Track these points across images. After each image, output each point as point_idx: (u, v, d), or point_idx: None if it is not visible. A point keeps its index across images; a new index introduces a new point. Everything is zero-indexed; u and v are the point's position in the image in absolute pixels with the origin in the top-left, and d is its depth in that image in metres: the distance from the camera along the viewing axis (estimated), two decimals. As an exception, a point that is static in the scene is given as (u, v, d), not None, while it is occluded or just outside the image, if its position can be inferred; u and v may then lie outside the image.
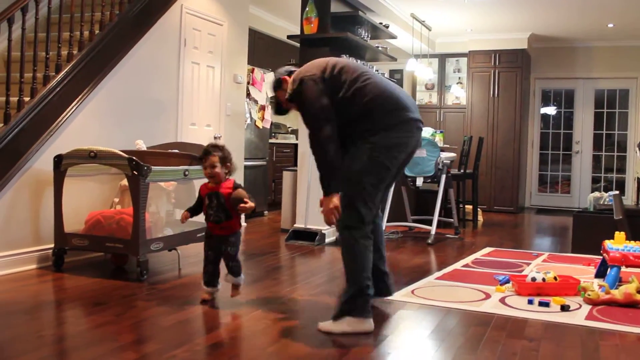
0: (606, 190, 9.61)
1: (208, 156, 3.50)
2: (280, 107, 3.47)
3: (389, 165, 3.14)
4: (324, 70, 3.20)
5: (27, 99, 4.42)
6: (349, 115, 3.16)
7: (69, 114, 4.64)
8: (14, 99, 4.38)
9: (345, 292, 3.15)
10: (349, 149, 3.20)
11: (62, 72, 4.60)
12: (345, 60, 3.35)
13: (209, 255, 3.61)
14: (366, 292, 3.11)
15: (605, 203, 6.23)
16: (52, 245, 4.41)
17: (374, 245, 3.35)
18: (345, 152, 3.20)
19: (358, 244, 3.12)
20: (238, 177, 6.88)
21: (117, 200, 4.71)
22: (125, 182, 4.43)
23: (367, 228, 3.15)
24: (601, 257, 4.52)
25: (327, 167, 3.11)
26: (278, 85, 3.41)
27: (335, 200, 3.07)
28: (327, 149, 3.09)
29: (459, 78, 10.58)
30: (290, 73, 3.39)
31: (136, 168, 4.07)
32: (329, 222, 3.13)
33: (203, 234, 4.11)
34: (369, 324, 3.09)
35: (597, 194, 6.44)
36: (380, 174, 3.14)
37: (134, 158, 4.10)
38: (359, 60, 6.20)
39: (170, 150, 4.96)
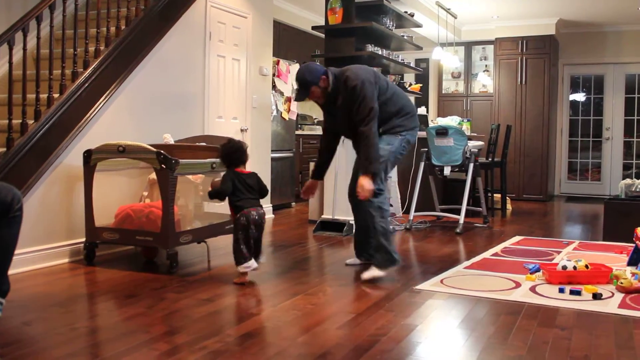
0: (638, 177, 9.47)
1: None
2: (304, 96, 4.10)
3: (405, 153, 4.28)
4: (374, 77, 4.07)
5: (56, 95, 4.47)
6: (385, 114, 4.10)
7: (97, 109, 4.69)
8: (43, 96, 4.44)
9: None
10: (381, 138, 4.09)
11: (90, 68, 4.65)
12: (379, 72, 4.34)
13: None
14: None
15: (637, 190, 6.13)
16: (83, 240, 4.47)
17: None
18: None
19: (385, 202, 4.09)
20: (265, 169, 6.92)
21: (146, 193, 4.75)
22: (153, 175, 4.47)
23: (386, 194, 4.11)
24: (634, 245, 4.45)
25: (373, 153, 3.91)
26: (317, 81, 4.03)
27: (370, 179, 3.89)
28: (375, 139, 3.94)
29: (486, 66, 10.47)
30: (324, 73, 4.05)
31: (164, 162, 4.10)
32: (364, 197, 3.93)
33: (230, 226, 4.14)
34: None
35: (628, 180, 6.33)
36: (399, 158, 4.24)
37: (162, 152, 4.12)
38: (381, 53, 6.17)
39: (197, 144, 4.98)
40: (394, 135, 4.14)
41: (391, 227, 5.93)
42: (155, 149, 4.16)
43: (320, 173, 4.46)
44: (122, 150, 4.26)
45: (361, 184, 3.90)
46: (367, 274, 4.03)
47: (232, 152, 3.96)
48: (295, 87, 4.21)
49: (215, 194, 3.90)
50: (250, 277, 3.91)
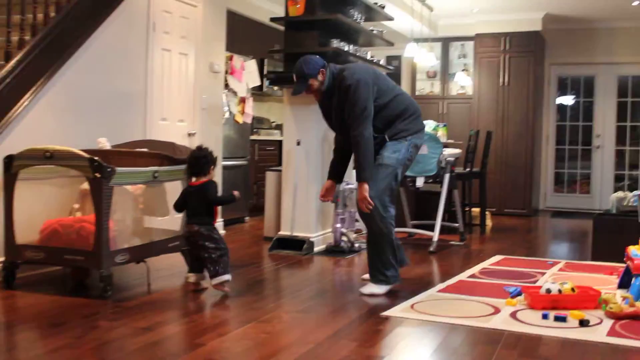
0: (631, 189, 9.64)
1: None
2: (302, 89, 4.36)
3: (413, 158, 4.45)
4: (372, 77, 4.28)
5: (-27, 92, 4.40)
6: (387, 117, 4.31)
7: (20, 108, 4.61)
8: (-42, 92, 4.36)
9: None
10: (379, 143, 4.32)
11: (13, 61, 4.57)
12: (380, 71, 4.65)
13: None
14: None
15: (630, 204, 6.25)
16: (2, 259, 4.38)
17: None
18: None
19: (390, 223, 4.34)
20: (217, 177, 6.87)
21: (77, 206, 4.68)
22: (86, 185, 4.41)
23: (394, 207, 4.36)
24: (625, 265, 4.53)
25: (364, 159, 4.17)
26: (316, 74, 4.28)
27: (367, 187, 4.17)
28: (366, 144, 4.17)
29: (465, 65, 10.60)
30: (325, 66, 4.30)
31: (98, 169, 4.05)
32: (364, 209, 4.21)
33: (174, 243, 4.24)
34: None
35: (620, 193, 6.46)
36: (407, 165, 4.43)
37: (96, 158, 4.07)
38: (351, 46, 6.22)
39: (137, 149, 4.94)
40: (400, 141, 4.33)
41: (357, 244, 5.99)
42: (88, 155, 4.11)
43: (334, 173, 4.66)
44: (49, 156, 4.20)
45: (358, 193, 4.24)
46: (367, 289, 4.34)
47: (189, 161, 4.43)
48: (294, 79, 4.40)
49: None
50: (196, 302, 3.89)
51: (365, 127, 4.18)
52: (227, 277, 4.21)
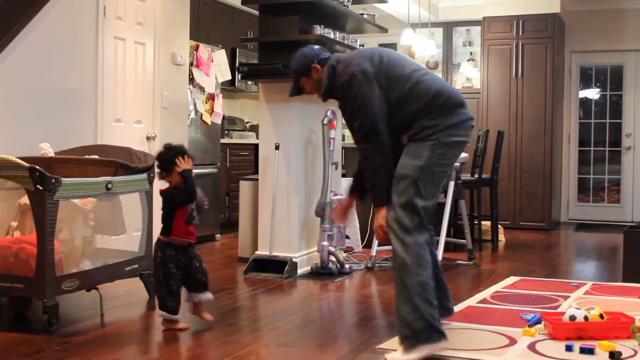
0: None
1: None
2: (295, 91, 4.21)
3: (448, 163, 3.86)
4: (375, 63, 3.81)
5: None
6: (406, 114, 3.78)
7: (-52, 109, 4.60)
8: None
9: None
10: (399, 151, 3.83)
11: (-62, 54, 4.56)
12: (390, 50, 3.99)
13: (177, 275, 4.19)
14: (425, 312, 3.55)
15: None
16: None
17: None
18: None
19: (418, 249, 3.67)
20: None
21: (15, 224, 4.66)
22: (25, 199, 4.39)
23: (426, 233, 3.75)
24: (661, 287, 4.55)
25: (380, 177, 3.77)
26: (307, 72, 4.02)
27: (384, 213, 3.77)
28: (381, 157, 3.76)
29: (471, 54, 10.64)
30: (321, 60, 4.00)
31: (40, 181, 4.03)
32: (379, 238, 3.90)
33: (132, 266, 4.20)
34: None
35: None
36: (440, 173, 3.81)
37: (37, 167, 4.06)
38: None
39: (87, 157, 4.92)
40: (421, 142, 3.75)
41: (347, 265, 5.99)
42: (27, 164, 4.09)
43: (356, 187, 4.24)
44: (-19, 166, 4.18)
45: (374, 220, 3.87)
46: (392, 356, 3.63)
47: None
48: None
49: None
50: (158, 336, 3.87)
51: (372, 137, 3.73)
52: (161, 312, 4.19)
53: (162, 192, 4.19)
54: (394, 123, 3.79)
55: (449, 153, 3.81)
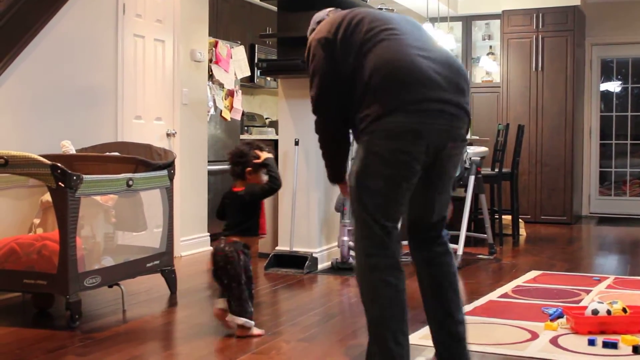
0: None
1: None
2: None
3: (393, 161, 2.92)
4: (336, 29, 3.11)
5: None
6: (354, 97, 3.04)
7: (-30, 108, 4.63)
8: None
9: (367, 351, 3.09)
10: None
11: (-40, 53, 4.59)
12: (370, 11, 3.19)
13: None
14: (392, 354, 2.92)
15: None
16: (-50, 284, 4.39)
17: (436, 288, 3.34)
18: None
19: (375, 278, 3.10)
20: (200, 185, 6.88)
21: (37, 221, 4.69)
22: (48, 197, 4.41)
23: (388, 253, 3.03)
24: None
25: (329, 153, 3.29)
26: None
27: (344, 189, 3.28)
28: (325, 134, 3.24)
29: (490, 47, 10.60)
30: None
31: (62, 178, 4.04)
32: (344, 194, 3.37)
33: (154, 263, 4.19)
34: None
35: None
36: (387, 177, 2.94)
37: (59, 165, 4.07)
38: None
39: (108, 154, 4.94)
40: (360, 139, 3.06)
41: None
42: (49, 162, 4.11)
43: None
44: (3, 163, 4.19)
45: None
46: None
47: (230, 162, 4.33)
48: None
49: None
50: (179, 332, 3.88)
51: (318, 111, 3.21)
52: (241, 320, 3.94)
53: (245, 192, 4.16)
54: (351, 108, 3.10)
55: (383, 146, 2.93)
